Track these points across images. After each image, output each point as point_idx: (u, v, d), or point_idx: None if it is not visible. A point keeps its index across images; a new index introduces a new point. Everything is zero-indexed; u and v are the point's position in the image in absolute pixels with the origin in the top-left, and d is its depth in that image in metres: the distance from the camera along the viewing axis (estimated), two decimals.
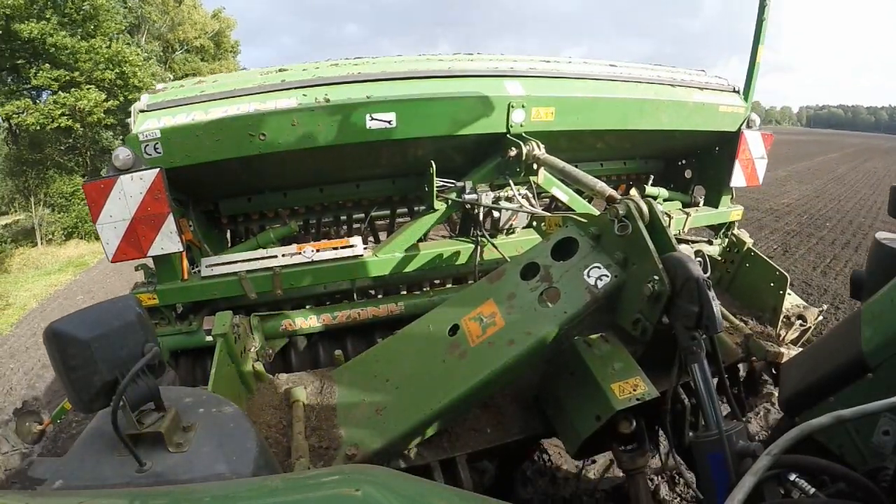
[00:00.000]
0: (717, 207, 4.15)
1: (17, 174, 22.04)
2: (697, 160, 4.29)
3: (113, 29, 20.48)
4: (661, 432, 2.60)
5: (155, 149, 2.68)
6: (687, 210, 4.07)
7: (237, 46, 44.35)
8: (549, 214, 2.95)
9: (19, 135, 20.89)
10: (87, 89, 18.83)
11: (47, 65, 18.39)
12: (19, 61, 18.78)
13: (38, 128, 18.46)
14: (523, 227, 3.50)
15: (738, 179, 3.94)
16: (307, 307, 3.37)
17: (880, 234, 2.29)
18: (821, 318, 3.28)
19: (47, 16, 17.60)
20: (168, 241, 2.77)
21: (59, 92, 18.62)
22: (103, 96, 18.98)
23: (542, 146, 3.00)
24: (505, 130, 3.12)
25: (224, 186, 3.31)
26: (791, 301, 3.41)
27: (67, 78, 18.73)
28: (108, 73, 19.46)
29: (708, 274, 1.90)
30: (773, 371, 3.18)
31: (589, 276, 2.14)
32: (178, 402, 1.40)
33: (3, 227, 22.55)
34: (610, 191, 2.33)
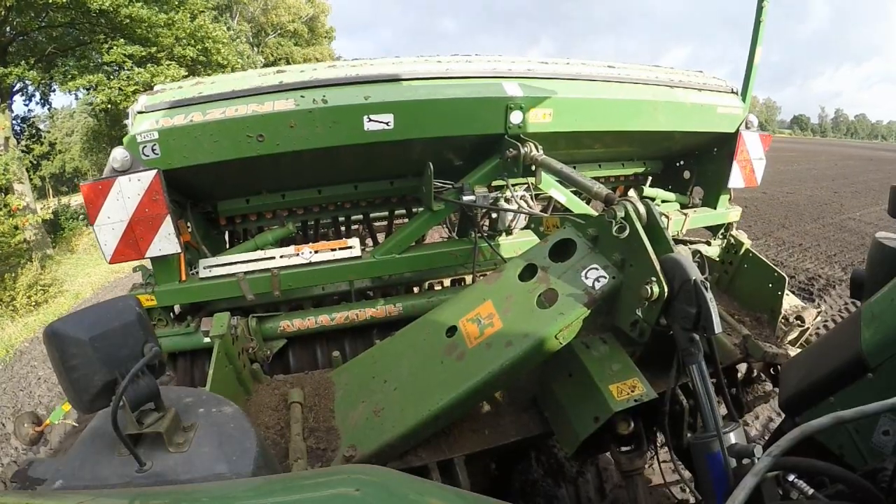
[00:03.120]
0: (715, 208, 4.15)
1: (95, 150, 21.38)
2: (696, 161, 4.30)
3: (199, 6, 19.54)
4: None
5: (153, 150, 2.68)
6: (685, 211, 4.07)
7: (332, 32, 45.59)
8: (546, 215, 2.95)
9: (109, 111, 19.89)
10: (168, 65, 17.91)
11: (122, 40, 17.17)
12: (99, 36, 17.70)
13: (109, 105, 17.67)
14: (521, 229, 3.50)
15: (736, 180, 3.94)
16: (305, 308, 3.37)
17: (880, 234, 2.29)
18: (819, 318, 3.28)
19: None
20: (166, 242, 2.77)
21: (134, 68, 17.68)
22: (183, 73, 17.72)
23: (539, 147, 3.00)
24: (503, 131, 3.12)
25: (222, 188, 3.31)
26: (789, 302, 3.42)
27: (144, 54, 17.70)
28: (190, 50, 18.57)
29: (706, 275, 1.91)
30: (772, 372, 3.18)
31: (587, 278, 2.15)
32: (178, 402, 1.40)
33: (80, 204, 22.35)
34: (608, 192, 2.33)
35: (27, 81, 18.12)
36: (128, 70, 17.69)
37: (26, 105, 22.21)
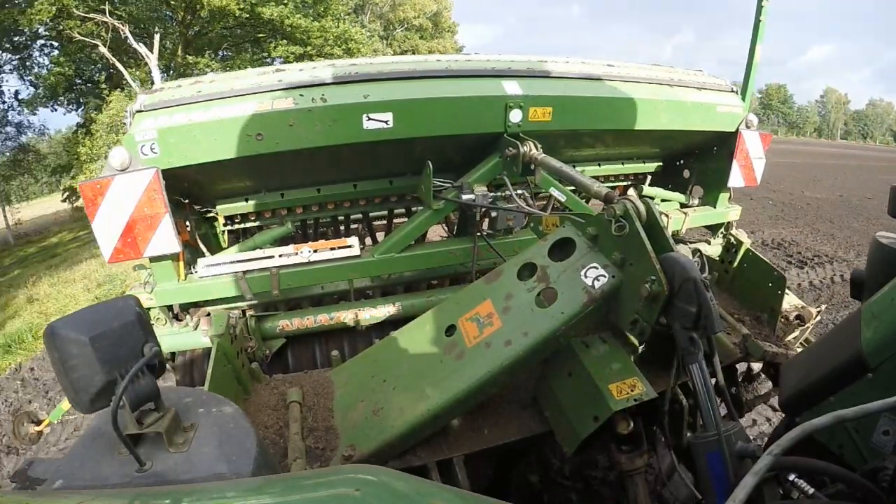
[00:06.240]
0: (715, 207, 4.15)
1: None
2: (695, 160, 4.30)
3: (340, 10, 25.17)
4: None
5: (151, 149, 2.67)
6: (685, 210, 4.07)
7: (455, 27, 51.71)
8: (546, 214, 2.94)
9: None
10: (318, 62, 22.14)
11: (284, 40, 22.96)
12: (260, 35, 23.78)
13: None
14: (521, 228, 3.50)
15: (736, 179, 3.94)
16: (304, 308, 3.36)
17: (880, 234, 2.29)
18: (819, 318, 3.28)
19: (284, 1, 22.05)
20: (165, 241, 2.76)
21: (296, 63, 22.15)
22: None
23: (539, 146, 3.00)
24: (502, 130, 3.11)
25: (221, 187, 3.30)
26: (789, 301, 3.42)
27: (301, 52, 22.84)
28: (336, 49, 23.42)
29: (706, 274, 1.90)
30: (772, 371, 3.18)
31: (586, 277, 2.14)
32: (178, 402, 1.40)
33: None
34: (607, 191, 2.33)
35: (208, 70, 22.12)
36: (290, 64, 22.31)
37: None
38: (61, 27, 19.85)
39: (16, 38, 22.17)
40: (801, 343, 3.19)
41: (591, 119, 3.37)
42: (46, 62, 23.64)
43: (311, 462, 2.16)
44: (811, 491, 1.39)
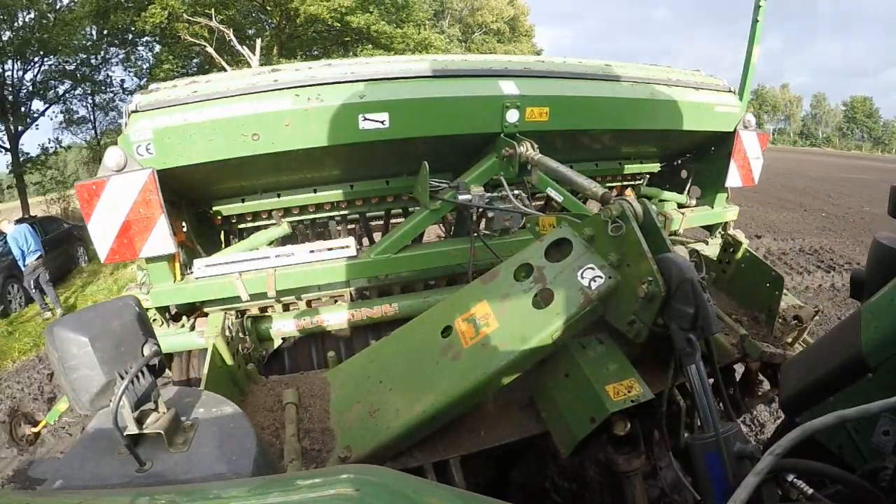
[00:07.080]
0: (712, 207, 4.15)
1: None
2: (693, 160, 4.29)
3: (420, 17, 27.83)
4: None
5: (147, 149, 2.66)
6: (682, 210, 4.06)
7: (532, 30, 53.90)
8: (542, 215, 2.93)
9: None
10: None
11: (370, 45, 25.87)
12: (347, 39, 26.92)
13: None
14: (518, 228, 3.49)
15: (733, 179, 3.93)
16: (301, 308, 3.35)
17: (880, 234, 2.28)
18: (817, 318, 3.27)
19: (370, 10, 24.62)
20: (161, 242, 2.74)
21: None
22: None
23: (535, 147, 2.99)
24: (499, 130, 3.11)
25: (217, 187, 3.29)
26: (787, 301, 3.41)
27: (384, 55, 23.15)
28: (417, 55, 25.35)
29: (703, 275, 1.90)
30: (769, 371, 3.17)
31: (583, 278, 2.13)
32: (178, 402, 1.40)
33: None
34: (604, 191, 2.32)
35: None
36: None
37: None
38: (166, 28, 22.94)
39: (122, 36, 26.46)
40: (799, 343, 3.18)
41: (588, 119, 3.36)
42: (148, 56, 28.55)
43: (308, 464, 2.15)
44: (810, 492, 1.38)
